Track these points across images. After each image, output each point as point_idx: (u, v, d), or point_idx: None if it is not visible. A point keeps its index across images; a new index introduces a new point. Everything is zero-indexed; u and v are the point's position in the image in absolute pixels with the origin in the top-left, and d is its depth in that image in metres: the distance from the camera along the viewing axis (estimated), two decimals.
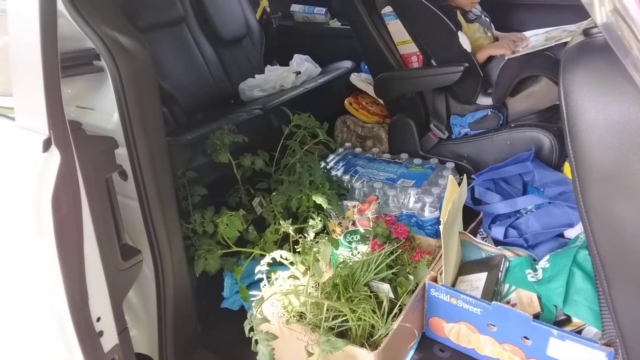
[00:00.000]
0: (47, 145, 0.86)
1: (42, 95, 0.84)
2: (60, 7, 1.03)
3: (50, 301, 0.97)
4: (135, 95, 1.11)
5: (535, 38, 1.92)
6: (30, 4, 0.84)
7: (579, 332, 1.27)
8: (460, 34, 1.89)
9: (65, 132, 0.88)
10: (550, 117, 1.93)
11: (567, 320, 1.31)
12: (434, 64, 2.02)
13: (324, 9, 2.81)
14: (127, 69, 1.08)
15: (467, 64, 1.87)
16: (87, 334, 0.98)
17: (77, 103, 1.22)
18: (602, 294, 1.04)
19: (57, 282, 0.91)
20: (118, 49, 1.08)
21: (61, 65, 0.93)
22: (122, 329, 1.12)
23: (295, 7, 2.87)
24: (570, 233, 1.58)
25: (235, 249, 1.52)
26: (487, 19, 2.14)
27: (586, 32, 0.86)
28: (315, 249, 1.40)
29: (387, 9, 2.08)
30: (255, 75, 2.47)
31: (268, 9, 2.83)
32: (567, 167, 1.76)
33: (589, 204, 0.84)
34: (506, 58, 1.89)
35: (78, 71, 1.15)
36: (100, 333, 1.03)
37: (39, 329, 1.09)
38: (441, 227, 1.32)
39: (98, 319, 1.02)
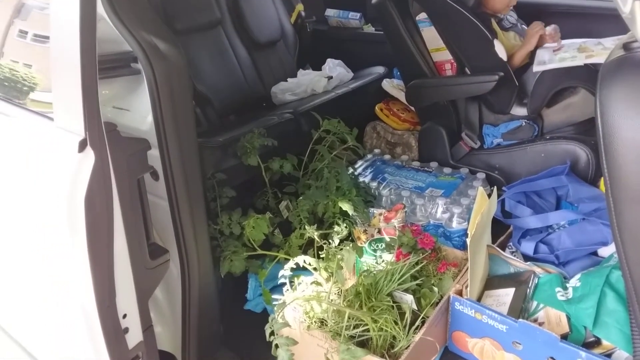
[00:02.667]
0: (82, 146, 0.89)
1: (79, 97, 0.87)
2: (101, 10, 1.07)
3: (78, 297, 1.00)
4: (169, 98, 1.14)
5: (569, 44, 1.86)
6: (70, 7, 0.87)
7: (608, 355, 1.22)
8: (496, 42, 1.85)
9: (100, 133, 0.91)
10: (588, 130, 1.87)
11: (597, 342, 1.26)
12: (468, 72, 1.98)
13: (358, 14, 2.81)
14: (162, 72, 1.11)
15: (502, 73, 1.83)
16: (112, 330, 1.01)
17: (114, 104, 1.26)
18: (633, 317, 1.00)
19: (86, 278, 0.94)
20: (154, 53, 1.11)
21: (100, 67, 0.96)
22: (147, 327, 1.14)
23: (329, 12, 2.88)
24: (604, 252, 1.52)
25: (260, 251, 1.53)
26: (524, 27, 2.09)
27: (626, 47, 0.83)
28: (339, 256, 1.39)
29: (422, 16, 2.06)
30: (288, 79, 2.48)
31: (303, 14, 2.85)
32: (604, 182, 1.70)
33: (623, 224, 0.81)
34: (534, 70, 1.83)
35: (116, 73, 1.19)
36: (126, 330, 1.06)
37: (66, 323, 1.13)
38: (468, 240, 1.30)
39: (124, 316, 1.05)
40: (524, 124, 1.92)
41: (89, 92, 0.87)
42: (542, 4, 2.24)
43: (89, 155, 0.90)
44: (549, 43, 1.86)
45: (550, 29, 1.89)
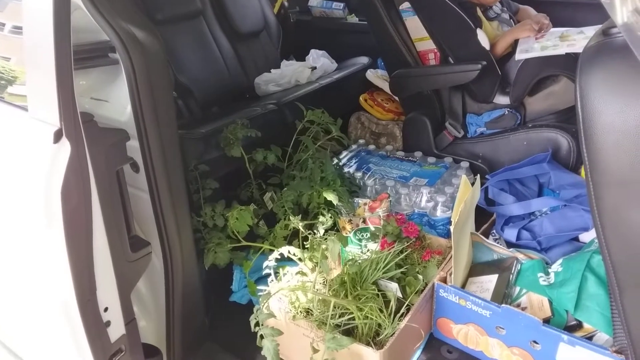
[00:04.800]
0: (58, 137, 0.87)
1: (54, 86, 0.85)
2: None
3: (58, 291, 0.98)
4: (147, 88, 1.12)
5: (550, 32, 1.87)
6: None
7: (589, 338, 1.24)
8: (479, 31, 1.86)
9: (76, 124, 0.89)
10: (569, 118, 1.89)
11: (578, 325, 1.28)
12: (452, 62, 1.99)
13: (342, 4, 2.80)
14: (140, 62, 1.09)
15: (485, 62, 1.83)
16: (94, 324, 1.00)
17: (92, 95, 1.24)
18: (613, 300, 1.02)
19: (66, 272, 0.93)
20: (132, 42, 1.09)
21: (77, 57, 0.94)
22: (130, 320, 1.13)
23: (313, 2, 2.86)
24: (585, 237, 1.54)
25: (244, 243, 1.52)
26: (507, 16, 2.10)
27: (605, 32, 0.84)
28: (323, 246, 1.39)
29: (405, 5, 2.05)
30: (271, 70, 2.47)
31: (286, 4, 2.83)
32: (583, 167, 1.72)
33: (602, 208, 0.82)
34: (516, 58, 1.85)
35: (93, 63, 1.16)
36: (108, 323, 1.05)
37: (46, 318, 1.11)
38: (452, 228, 1.30)
39: (105, 310, 1.03)
40: (506, 112, 1.93)
41: (64, 81, 0.85)
42: None
43: (65, 146, 0.88)
44: (537, 33, 1.86)
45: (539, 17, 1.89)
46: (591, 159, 0.80)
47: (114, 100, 1.20)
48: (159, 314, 1.34)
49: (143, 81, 1.10)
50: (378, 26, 2.06)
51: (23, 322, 1.24)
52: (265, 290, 1.36)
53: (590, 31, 1.74)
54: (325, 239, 1.43)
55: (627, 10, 0.76)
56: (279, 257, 1.37)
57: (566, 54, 1.72)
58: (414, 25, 2.05)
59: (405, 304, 1.30)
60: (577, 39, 1.70)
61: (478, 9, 1.99)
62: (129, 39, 1.08)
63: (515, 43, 1.98)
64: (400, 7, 2.07)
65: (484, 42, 1.87)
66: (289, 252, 1.39)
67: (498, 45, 1.92)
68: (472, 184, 1.46)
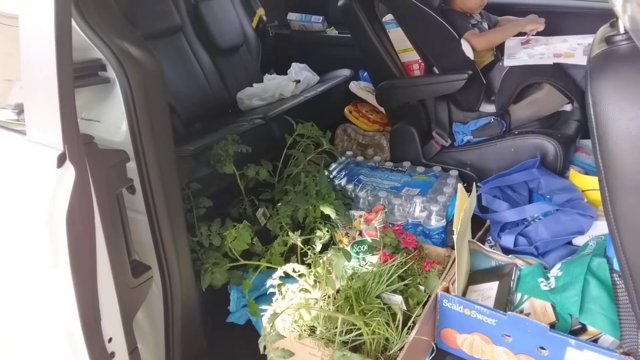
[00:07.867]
0: (61, 161, 0.82)
1: (56, 108, 0.80)
2: None
3: (62, 322, 0.92)
4: (145, 106, 1.08)
5: (535, 40, 1.92)
6: (44, 17, 0.81)
7: (594, 341, 1.25)
8: (463, 41, 1.89)
9: (79, 146, 0.85)
10: (553, 124, 1.94)
11: (582, 329, 1.30)
12: (436, 72, 2.01)
13: (321, 18, 2.80)
14: (137, 80, 1.05)
15: (470, 72, 1.86)
16: (99, 356, 0.94)
17: (82, 115, 1.19)
18: (625, 304, 1.03)
19: (70, 302, 0.88)
20: (128, 59, 1.05)
21: None
22: (133, 349, 1.08)
23: (292, 16, 2.86)
24: (578, 240, 1.57)
25: (243, 262, 1.48)
26: (486, 26, 2.15)
27: (608, 40, 0.86)
28: (327, 262, 1.37)
29: (388, 17, 2.07)
30: (254, 84, 2.44)
31: (264, 18, 2.81)
32: (572, 173, 1.75)
33: (618, 213, 0.83)
34: (504, 64, 1.89)
35: (84, 82, 1.12)
36: (112, 354, 1.00)
37: (50, 350, 1.04)
38: (455, 237, 1.30)
39: (110, 340, 0.98)
40: (492, 120, 1.97)
41: (66, 101, 0.81)
42: (509, 3, 2.30)
43: (69, 170, 0.84)
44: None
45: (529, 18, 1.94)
46: (606, 164, 0.82)
47: (106, 120, 1.15)
48: (157, 339, 1.29)
49: (140, 99, 1.07)
50: (362, 39, 2.07)
51: (27, 355, 1.17)
52: (266, 309, 1.32)
53: (573, 39, 1.80)
54: (328, 254, 1.41)
55: (629, 14, 0.78)
56: (282, 274, 1.34)
57: None
58: (398, 37, 2.07)
59: (412, 317, 1.29)
60: (561, 48, 1.76)
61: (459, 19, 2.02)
62: (124, 57, 1.05)
63: (497, 51, 2.03)
64: (384, 19, 2.09)
65: (468, 51, 1.90)
66: (293, 269, 1.36)
67: (499, 34, 1.94)
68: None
